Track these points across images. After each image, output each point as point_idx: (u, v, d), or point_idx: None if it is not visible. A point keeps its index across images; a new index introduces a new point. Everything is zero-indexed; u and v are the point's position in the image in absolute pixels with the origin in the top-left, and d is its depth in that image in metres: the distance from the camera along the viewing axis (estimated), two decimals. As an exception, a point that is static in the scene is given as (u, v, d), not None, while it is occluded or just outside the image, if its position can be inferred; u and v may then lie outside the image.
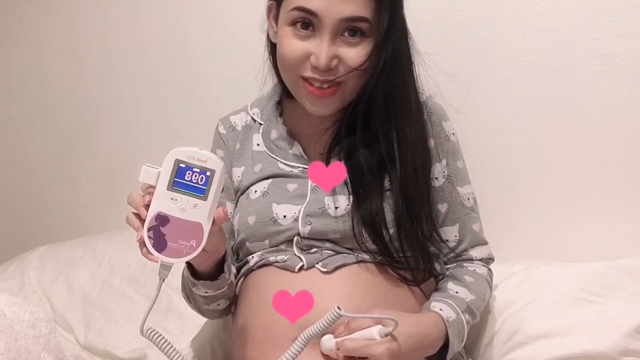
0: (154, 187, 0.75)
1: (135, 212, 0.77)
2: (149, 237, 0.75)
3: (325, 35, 0.87)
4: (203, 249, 0.77)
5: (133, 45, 1.73)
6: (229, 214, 1.03)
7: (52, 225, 1.97)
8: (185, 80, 1.67)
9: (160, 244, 0.75)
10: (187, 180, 0.75)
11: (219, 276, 0.89)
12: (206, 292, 0.92)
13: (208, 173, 0.75)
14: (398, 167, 0.92)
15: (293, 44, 0.89)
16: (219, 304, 0.99)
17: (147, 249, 0.75)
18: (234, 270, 0.95)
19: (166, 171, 0.74)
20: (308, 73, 0.89)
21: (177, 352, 0.79)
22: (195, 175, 0.75)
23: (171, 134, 1.69)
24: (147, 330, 0.78)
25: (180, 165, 0.74)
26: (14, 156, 2.00)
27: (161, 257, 0.76)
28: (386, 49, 0.89)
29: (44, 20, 1.86)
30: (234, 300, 1.01)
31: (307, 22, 0.88)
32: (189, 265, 0.89)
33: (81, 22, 1.80)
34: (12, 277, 1.61)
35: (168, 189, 0.74)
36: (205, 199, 0.75)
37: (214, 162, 0.75)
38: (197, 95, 1.65)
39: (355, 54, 0.88)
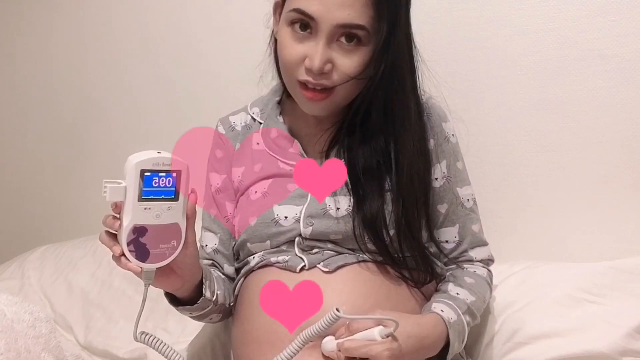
0: (123, 202, 0.74)
1: (108, 230, 0.77)
2: (130, 250, 0.74)
3: (321, 39, 0.86)
4: (179, 274, 0.82)
5: (136, 43, 1.73)
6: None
7: (52, 225, 1.97)
8: (189, 78, 1.67)
9: (142, 253, 0.75)
10: (155, 187, 0.74)
11: (199, 299, 0.90)
12: (191, 314, 0.94)
13: (174, 174, 0.75)
14: (396, 172, 0.92)
15: (290, 46, 0.89)
16: (211, 318, 1.00)
17: (125, 261, 0.75)
18: (218, 289, 0.95)
19: (132, 183, 0.73)
20: (303, 76, 0.89)
21: (175, 352, 0.79)
22: (163, 180, 0.74)
23: (173, 133, 1.69)
24: (141, 335, 0.78)
25: (146, 174, 0.73)
26: (15, 156, 2.01)
27: (146, 266, 0.76)
28: (385, 59, 0.88)
29: (48, 18, 1.86)
30: (228, 311, 1.02)
31: (305, 23, 0.88)
32: (167, 292, 0.90)
33: (85, 20, 1.80)
34: (12, 277, 1.61)
35: (139, 201, 0.73)
36: (177, 199, 0.76)
37: (178, 163, 0.75)
38: (201, 93, 1.65)
39: (350, 62, 0.88)
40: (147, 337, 0.78)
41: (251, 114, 1.07)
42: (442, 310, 0.89)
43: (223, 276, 1.03)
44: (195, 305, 0.91)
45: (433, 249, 0.99)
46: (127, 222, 0.73)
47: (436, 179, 0.99)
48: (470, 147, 1.17)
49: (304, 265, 0.91)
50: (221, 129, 1.08)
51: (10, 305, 0.89)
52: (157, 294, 0.92)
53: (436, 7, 1.31)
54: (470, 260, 1.02)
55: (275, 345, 0.86)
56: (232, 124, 1.08)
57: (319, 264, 0.91)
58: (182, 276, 0.83)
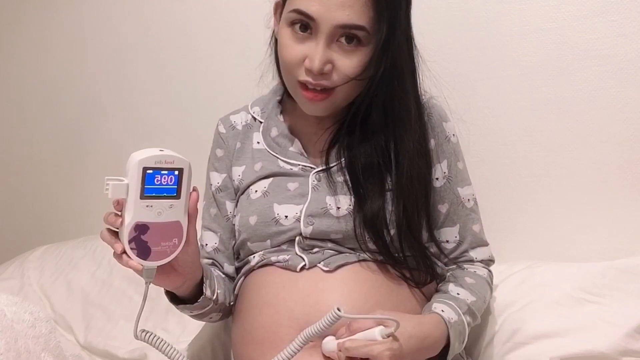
0: (125, 199, 0.74)
1: (110, 228, 0.76)
2: (131, 248, 0.74)
3: (321, 40, 0.87)
4: (179, 273, 0.82)
5: (138, 43, 1.72)
6: (229, 213, 1.04)
7: (52, 225, 1.96)
8: (189, 79, 1.66)
9: (143, 251, 0.75)
10: (157, 185, 0.74)
11: (199, 297, 0.91)
12: (191, 312, 0.94)
13: (176, 172, 0.75)
14: (396, 172, 0.92)
15: (290, 47, 0.89)
16: (211, 317, 1.00)
17: (126, 259, 0.75)
18: (218, 288, 0.95)
19: (135, 181, 0.73)
20: (303, 77, 0.90)
21: (176, 351, 0.79)
22: (165, 178, 0.74)
23: (174, 132, 1.69)
24: (141, 333, 0.78)
25: (148, 171, 0.73)
26: (15, 156, 2.00)
27: (147, 264, 0.75)
28: (384, 60, 0.88)
29: (48, 17, 1.86)
30: (228, 310, 1.02)
31: (305, 24, 0.88)
32: (167, 290, 0.90)
33: (86, 19, 1.80)
34: (12, 277, 1.61)
35: (141, 198, 0.73)
36: (179, 197, 0.75)
37: (180, 161, 0.75)
38: (201, 94, 1.64)
39: (350, 63, 0.88)
40: (148, 335, 0.78)
41: (252, 113, 1.07)
42: (442, 311, 0.89)
43: (223, 275, 1.03)
44: (196, 304, 0.91)
45: (433, 249, 0.99)
46: (129, 219, 0.73)
47: (437, 179, 0.99)
48: (471, 147, 1.17)
49: (305, 265, 0.91)
50: (222, 128, 1.08)
51: (10, 305, 0.89)
52: (157, 293, 0.92)
53: (436, 7, 1.31)
54: (471, 261, 1.02)
55: (276, 346, 0.86)
56: (233, 123, 1.08)
57: (319, 263, 0.91)
58: (182, 274, 0.83)
